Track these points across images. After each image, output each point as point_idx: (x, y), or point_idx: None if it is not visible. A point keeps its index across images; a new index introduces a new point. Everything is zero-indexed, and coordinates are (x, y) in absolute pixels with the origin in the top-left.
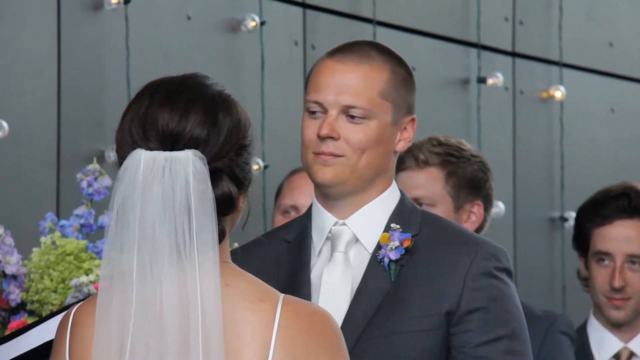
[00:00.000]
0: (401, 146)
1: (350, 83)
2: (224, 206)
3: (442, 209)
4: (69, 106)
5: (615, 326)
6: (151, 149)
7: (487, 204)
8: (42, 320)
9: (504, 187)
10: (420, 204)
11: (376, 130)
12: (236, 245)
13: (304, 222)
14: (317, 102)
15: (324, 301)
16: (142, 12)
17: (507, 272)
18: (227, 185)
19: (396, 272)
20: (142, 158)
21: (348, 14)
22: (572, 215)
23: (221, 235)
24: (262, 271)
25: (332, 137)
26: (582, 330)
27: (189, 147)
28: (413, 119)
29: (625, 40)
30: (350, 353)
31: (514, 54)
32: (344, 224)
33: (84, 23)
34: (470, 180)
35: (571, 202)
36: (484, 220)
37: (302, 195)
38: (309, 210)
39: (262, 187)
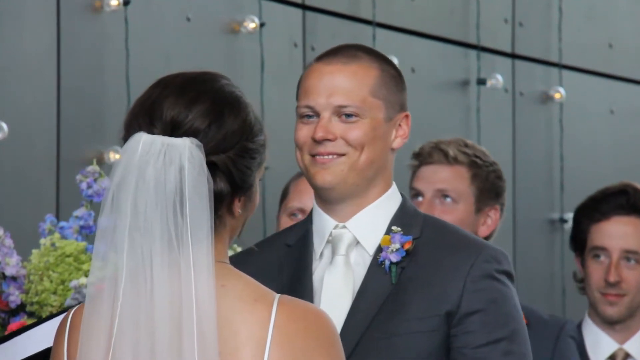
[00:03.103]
0: (397, 143)
1: (340, 84)
2: (214, 201)
3: (465, 207)
4: (68, 108)
5: (609, 324)
6: (153, 134)
7: (502, 211)
8: (40, 321)
9: None
10: (445, 197)
11: (370, 126)
12: (236, 247)
13: (305, 226)
14: (308, 106)
15: (325, 304)
16: (142, 14)
17: (508, 274)
18: (219, 181)
19: (397, 275)
20: (141, 141)
21: (348, 15)
22: (571, 216)
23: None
24: (264, 274)
25: (328, 139)
26: (578, 330)
27: (189, 136)
28: (407, 116)
29: (625, 42)
30: (350, 355)
31: (513, 56)
32: (344, 227)
33: (83, 25)
34: (492, 185)
35: (571, 204)
36: (496, 227)
37: (310, 199)
38: (310, 214)
39: (262, 188)
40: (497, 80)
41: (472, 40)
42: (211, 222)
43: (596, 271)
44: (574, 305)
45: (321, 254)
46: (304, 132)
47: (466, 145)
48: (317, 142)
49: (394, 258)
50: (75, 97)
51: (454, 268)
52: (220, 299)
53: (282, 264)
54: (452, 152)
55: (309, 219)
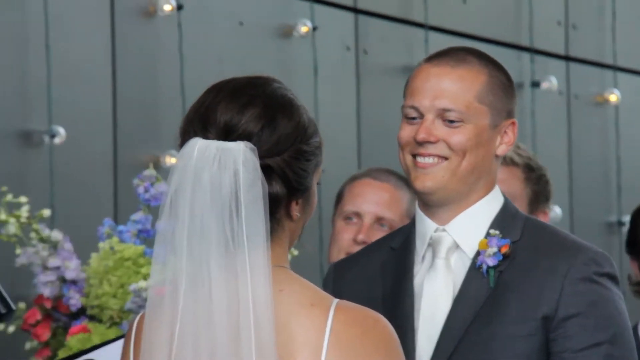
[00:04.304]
0: (502, 150)
1: (446, 87)
2: (270, 204)
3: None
4: (124, 112)
5: None
6: (208, 139)
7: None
8: (106, 343)
9: (560, 191)
10: None
11: (474, 132)
12: (292, 250)
13: (409, 229)
14: (413, 107)
15: (425, 308)
16: (195, 19)
17: (610, 277)
18: (274, 184)
19: (495, 278)
20: (196, 146)
21: (400, 18)
22: (629, 219)
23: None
24: (368, 279)
25: (430, 141)
26: (634, 333)
27: (242, 140)
28: (513, 123)
29: None
30: (448, 359)
31: (567, 58)
32: (444, 230)
33: (137, 30)
34: (543, 189)
35: (628, 206)
36: None
37: (365, 202)
38: (414, 217)
39: (317, 192)
40: (551, 82)
41: (525, 42)
42: (267, 225)
43: None
44: (632, 307)
45: (423, 257)
46: (407, 132)
47: (519, 148)
48: (418, 143)
49: (491, 262)
50: (130, 101)
51: (552, 271)
52: (278, 303)
53: (385, 267)
54: (508, 153)
55: (412, 222)
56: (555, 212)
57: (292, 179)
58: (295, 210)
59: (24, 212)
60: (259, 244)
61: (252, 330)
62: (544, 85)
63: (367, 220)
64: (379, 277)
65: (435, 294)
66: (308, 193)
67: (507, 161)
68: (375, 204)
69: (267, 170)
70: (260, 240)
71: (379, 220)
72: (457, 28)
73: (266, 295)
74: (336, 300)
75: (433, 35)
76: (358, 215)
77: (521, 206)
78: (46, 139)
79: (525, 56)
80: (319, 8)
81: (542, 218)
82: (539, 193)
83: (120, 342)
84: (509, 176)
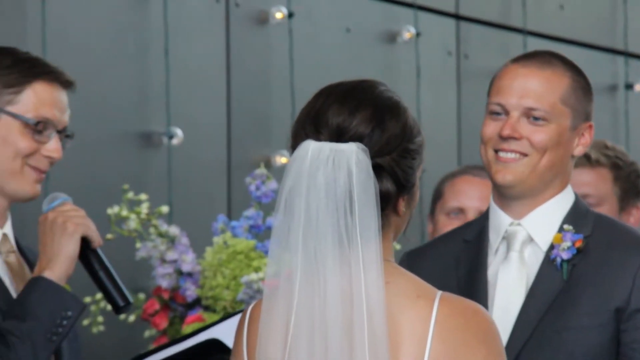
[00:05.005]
0: (579, 151)
1: (533, 87)
2: (380, 201)
3: (608, 208)
4: (237, 115)
5: None
6: (320, 141)
7: None
8: (207, 326)
9: None
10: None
11: (556, 132)
12: (395, 244)
13: (482, 222)
14: (499, 104)
15: (499, 299)
16: (305, 26)
17: None
18: (385, 182)
19: (568, 271)
20: (309, 148)
21: (499, 24)
22: None
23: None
24: (442, 269)
25: (514, 138)
26: None
27: (354, 141)
28: (590, 126)
29: None
30: (522, 349)
31: None
32: (519, 224)
33: (251, 37)
34: (633, 184)
35: None
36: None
37: (468, 198)
38: (487, 210)
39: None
40: None
41: (620, 46)
42: (379, 221)
43: None
44: None
45: (497, 250)
46: (491, 128)
47: (607, 147)
48: (503, 139)
49: (565, 255)
50: (243, 104)
51: (624, 265)
52: (385, 295)
53: (459, 258)
54: (594, 155)
55: (485, 216)
56: None
57: (400, 176)
58: (402, 206)
59: (144, 208)
60: (371, 240)
61: (365, 322)
62: (637, 87)
63: (471, 215)
64: (452, 269)
65: (509, 286)
66: (413, 189)
67: (593, 162)
68: (477, 199)
69: (378, 169)
70: (372, 236)
71: (481, 214)
72: (554, 33)
73: (378, 288)
74: (440, 292)
75: (531, 39)
76: (462, 210)
77: (612, 205)
78: (165, 140)
79: (620, 59)
80: (422, 15)
81: (635, 214)
82: (629, 190)
83: (235, 318)
84: (595, 178)
